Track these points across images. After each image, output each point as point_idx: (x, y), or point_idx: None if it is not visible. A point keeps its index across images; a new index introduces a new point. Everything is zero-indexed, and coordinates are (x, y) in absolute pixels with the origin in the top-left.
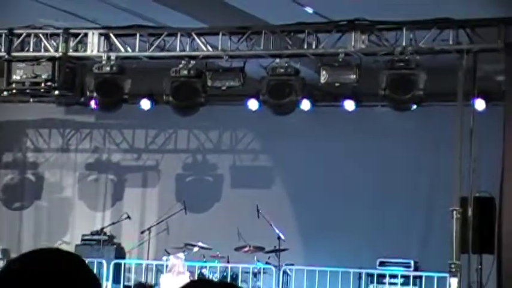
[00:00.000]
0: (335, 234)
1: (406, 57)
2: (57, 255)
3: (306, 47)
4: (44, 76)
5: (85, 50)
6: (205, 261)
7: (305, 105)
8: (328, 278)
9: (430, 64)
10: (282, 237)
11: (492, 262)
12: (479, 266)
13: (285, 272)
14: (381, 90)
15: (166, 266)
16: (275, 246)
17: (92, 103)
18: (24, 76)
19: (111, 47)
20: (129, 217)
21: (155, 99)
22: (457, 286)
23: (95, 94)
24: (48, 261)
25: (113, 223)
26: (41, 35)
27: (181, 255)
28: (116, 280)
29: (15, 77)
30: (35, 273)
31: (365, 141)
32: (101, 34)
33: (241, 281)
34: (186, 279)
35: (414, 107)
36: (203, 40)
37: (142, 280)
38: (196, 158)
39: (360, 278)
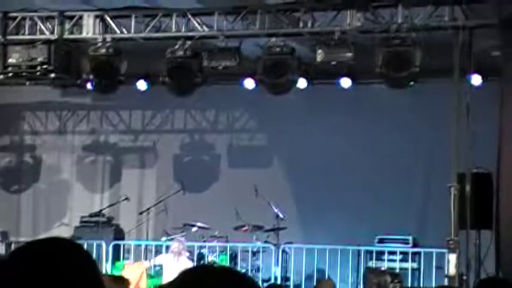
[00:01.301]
0: (333, 212)
1: (402, 35)
2: (55, 245)
3: (301, 25)
4: (39, 59)
5: (80, 33)
6: (204, 241)
7: (301, 83)
8: (327, 255)
9: (426, 41)
10: (281, 215)
11: (490, 237)
12: (478, 242)
13: (284, 251)
14: (377, 67)
15: (166, 247)
16: (274, 225)
17: (88, 85)
18: (20, 59)
19: (106, 29)
20: (127, 198)
21: (151, 80)
22: (456, 262)
23: (91, 76)
24: (46, 253)
25: (112, 205)
26: (36, 18)
27: (182, 238)
28: (115, 261)
29: (11, 60)
30: (33, 267)
31: (362, 118)
32: (96, 16)
33: (240, 260)
34: (185, 260)
35: (411, 83)
36: (199, 20)
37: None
38: (194, 138)
39: (358, 255)
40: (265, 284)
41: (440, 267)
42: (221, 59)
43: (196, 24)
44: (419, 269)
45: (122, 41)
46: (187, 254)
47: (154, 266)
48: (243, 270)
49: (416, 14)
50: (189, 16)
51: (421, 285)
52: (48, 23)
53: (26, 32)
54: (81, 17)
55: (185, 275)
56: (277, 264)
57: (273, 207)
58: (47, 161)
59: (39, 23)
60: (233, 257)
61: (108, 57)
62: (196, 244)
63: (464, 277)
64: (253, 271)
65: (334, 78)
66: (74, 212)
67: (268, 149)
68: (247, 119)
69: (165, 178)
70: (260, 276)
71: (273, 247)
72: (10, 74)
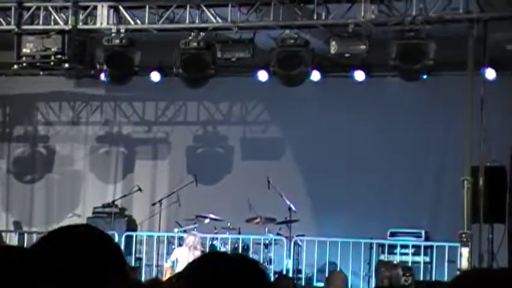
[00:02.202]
0: (346, 204)
1: (416, 27)
2: (83, 233)
3: (315, 17)
4: (53, 49)
5: (94, 23)
6: (216, 233)
7: (315, 76)
8: (339, 248)
9: (440, 33)
10: (293, 208)
11: (503, 231)
12: (491, 236)
13: (296, 243)
14: (390, 60)
15: (178, 238)
16: (286, 218)
17: (102, 76)
18: (34, 49)
19: (120, 20)
20: (140, 189)
21: (165, 71)
22: (468, 256)
23: (104, 67)
24: (75, 238)
25: (124, 195)
26: (50, 8)
27: (196, 232)
28: (128, 252)
29: (25, 50)
30: (64, 251)
31: (375, 111)
32: (110, 7)
33: (252, 253)
34: (199, 254)
35: (424, 76)
36: (212, 12)
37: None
38: (207, 130)
39: (371, 248)
40: None
41: (452, 261)
42: (235, 50)
43: (210, 16)
44: (431, 262)
45: (135, 31)
46: (201, 249)
47: (172, 262)
48: None
49: (430, 7)
50: (203, 7)
51: (433, 279)
52: (62, 13)
53: (41, 22)
54: (95, 8)
55: (197, 261)
56: (289, 257)
57: (286, 199)
58: (60, 152)
59: (53, 13)
60: (245, 249)
61: (121, 48)
62: (208, 236)
63: None
64: (265, 263)
65: (347, 71)
66: (86, 203)
67: (281, 141)
68: (260, 111)
69: (178, 169)
70: (272, 268)
71: (285, 239)
72: (24, 64)
